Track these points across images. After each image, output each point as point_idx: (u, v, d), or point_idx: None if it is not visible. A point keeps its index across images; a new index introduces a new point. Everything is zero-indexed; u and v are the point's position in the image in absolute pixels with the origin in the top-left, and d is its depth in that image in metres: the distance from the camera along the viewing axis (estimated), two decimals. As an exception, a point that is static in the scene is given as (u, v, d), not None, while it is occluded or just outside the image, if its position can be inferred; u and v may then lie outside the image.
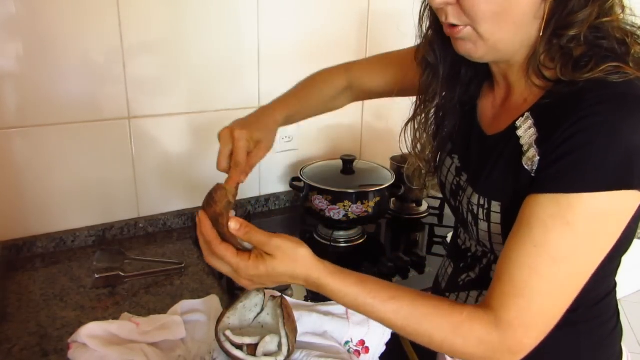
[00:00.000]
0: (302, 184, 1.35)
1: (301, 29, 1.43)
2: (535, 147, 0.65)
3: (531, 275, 0.62)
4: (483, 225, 0.73)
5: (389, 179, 1.35)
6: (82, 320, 0.99)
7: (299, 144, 1.52)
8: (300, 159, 1.53)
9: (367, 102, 1.60)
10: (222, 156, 0.83)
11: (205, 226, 0.69)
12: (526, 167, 0.66)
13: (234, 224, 0.68)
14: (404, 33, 1.56)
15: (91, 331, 0.86)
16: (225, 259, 0.68)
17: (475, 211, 0.74)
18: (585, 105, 0.60)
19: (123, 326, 0.89)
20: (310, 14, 1.42)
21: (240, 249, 0.69)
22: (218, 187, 0.73)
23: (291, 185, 1.42)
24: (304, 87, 1.01)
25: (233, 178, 0.79)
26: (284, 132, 1.47)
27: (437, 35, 0.78)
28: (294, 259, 0.68)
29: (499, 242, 0.73)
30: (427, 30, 0.80)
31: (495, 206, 0.71)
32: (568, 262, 0.62)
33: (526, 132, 0.67)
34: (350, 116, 1.61)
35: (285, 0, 1.37)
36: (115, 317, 0.97)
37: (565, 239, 0.61)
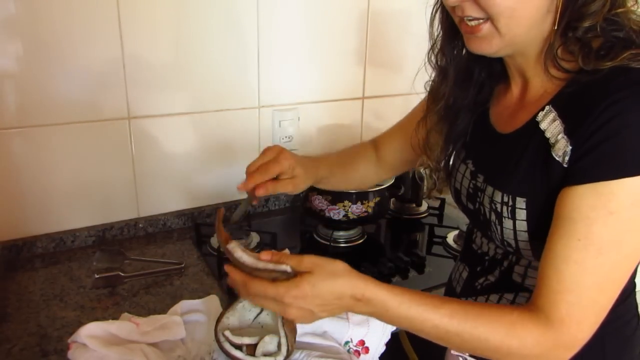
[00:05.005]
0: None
1: (301, 30, 1.42)
2: (565, 137, 0.64)
3: (578, 270, 0.62)
4: (508, 223, 0.73)
5: (388, 179, 1.35)
6: (82, 320, 0.99)
7: (299, 144, 1.52)
8: (300, 159, 1.53)
9: (367, 102, 1.60)
10: (259, 160, 0.85)
11: (234, 273, 0.70)
12: (557, 159, 0.65)
13: (265, 255, 0.69)
14: (406, 33, 1.57)
15: (91, 331, 0.86)
16: (266, 293, 0.66)
17: (499, 209, 0.73)
18: (613, 90, 0.60)
19: (123, 326, 0.89)
20: (310, 14, 1.42)
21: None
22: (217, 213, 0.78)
23: (291, 185, 1.42)
24: (343, 156, 1.05)
25: (254, 179, 0.83)
26: (284, 132, 1.48)
27: (448, 38, 0.79)
28: (333, 272, 0.66)
29: (524, 239, 0.72)
30: (438, 34, 0.81)
31: (520, 202, 0.70)
32: (614, 252, 0.61)
33: (550, 124, 0.67)
34: (350, 116, 1.60)
35: (285, 1, 1.37)
36: (115, 317, 0.97)
37: (610, 229, 0.61)
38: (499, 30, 0.67)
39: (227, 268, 0.71)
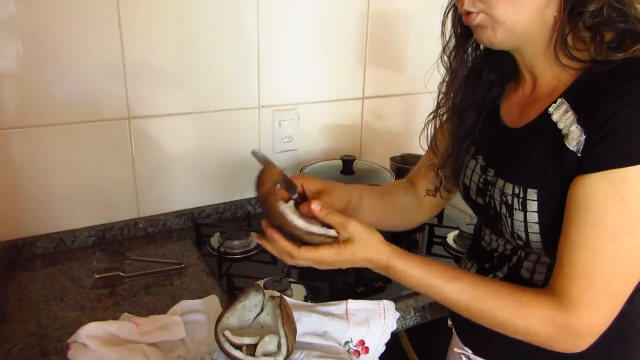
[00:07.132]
0: (302, 184, 1.35)
1: (301, 30, 1.42)
2: (578, 127, 0.65)
3: (591, 257, 0.63)
4: (519, 215, 0.74)
5: (388, 180, 1.35)
6: (82, 320, 0.99)
7: (298, 144, 1.52)
8: (300, 159, 1.53)
9: (367, 102, 1.60)
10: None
11: (279, 240, 0.72)
12: (571, 148, 0.66)
13: (316, 205, 0.72)
14: (406, 33, 1.57)
15: (91, 331, 0.86)
16: (312, 259, 0.73)
17: (510, 201, 0.74)
18: (625, 80, 0.62)
19: (123, 326, 0.89)
20: (310, 14, 1.42)
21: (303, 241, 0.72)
22: (265, 168, 0.73)
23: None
24: (375, 186, 1.02)
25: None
26: (283, 132, 1.48)
27: (460, 39, 0.82)
28: (368, 242, 0.73)
29: (535, 231, 0.73)
30: (451, 35, 0.83)
31: (532, 194, 0.71)
32: (627, 239, 0.62)
33: (563, 115, 0.68)
34: (350, 116, 1.60)
35: (284, 1, 1.37)
36: (115, 317, 0.97)
37: (622, 216, 0.62)
38: (497, 19, 0.68)
39: (270, 232, 0.72)
